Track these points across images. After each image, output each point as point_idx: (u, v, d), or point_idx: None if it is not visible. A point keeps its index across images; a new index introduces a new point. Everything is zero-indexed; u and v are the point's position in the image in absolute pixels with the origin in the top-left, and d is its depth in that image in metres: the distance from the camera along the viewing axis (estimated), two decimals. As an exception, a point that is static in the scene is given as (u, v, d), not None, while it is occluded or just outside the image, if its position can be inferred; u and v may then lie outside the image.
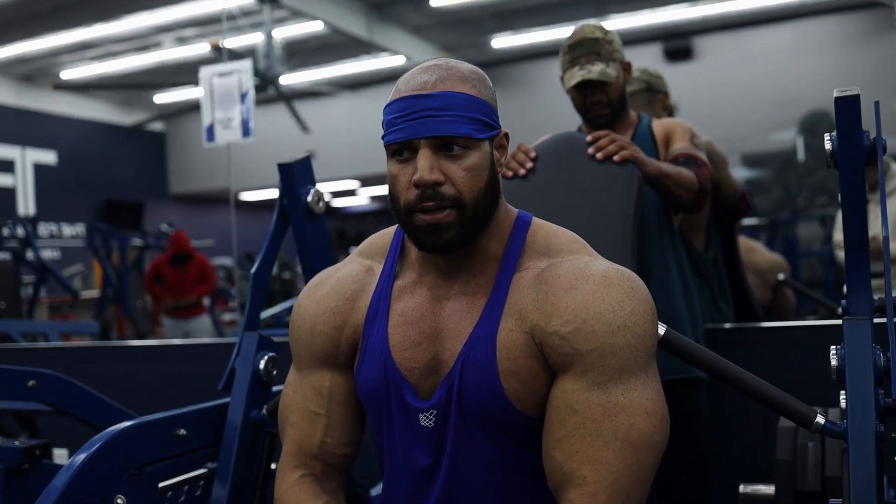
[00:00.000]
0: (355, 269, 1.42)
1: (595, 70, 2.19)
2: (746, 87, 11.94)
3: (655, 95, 2.89)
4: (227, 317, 10.64)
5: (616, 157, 1.97)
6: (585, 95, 2.26)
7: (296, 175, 1.90)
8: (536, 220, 1.37)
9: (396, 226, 1.43)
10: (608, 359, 1.19)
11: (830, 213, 9.54)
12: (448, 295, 1.32)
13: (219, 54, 9.67)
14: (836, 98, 1.39)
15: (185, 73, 13.29)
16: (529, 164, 2.04)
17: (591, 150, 2.00)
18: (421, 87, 1.24)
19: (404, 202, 1.25)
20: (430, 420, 1.29)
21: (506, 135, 1.33)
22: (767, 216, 9.79)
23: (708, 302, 2.58)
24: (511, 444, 1.28)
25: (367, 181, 17.02)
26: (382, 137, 1.28)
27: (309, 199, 1.91)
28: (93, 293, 9.65)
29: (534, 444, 1.27)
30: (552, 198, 1.97)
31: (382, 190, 19.04)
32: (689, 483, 2.20)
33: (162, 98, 15.60)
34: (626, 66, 2.31)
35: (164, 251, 9.41)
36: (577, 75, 2.21)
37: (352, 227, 20.09)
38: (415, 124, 1.22)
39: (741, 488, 1.84)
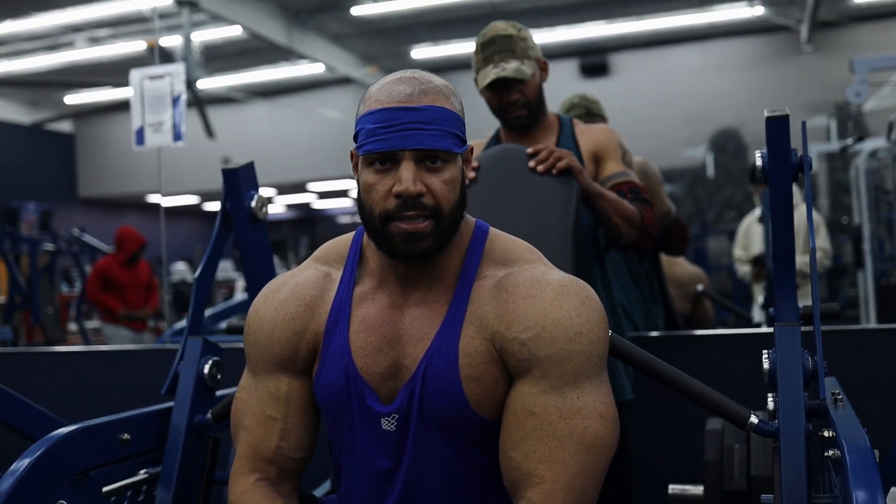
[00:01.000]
0: (313, 276, 1.43)
1: (510, 68, 2.13)
2: (659, 104, 12.29)
3: (594, 119, 2.98)
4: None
5: (554, 170, 1.99)
6: (501, 96, 2.19)
7: (240, 180, 1.91)
8: (493, 230, 1.42)
9: (353, 233, 1.45)
10: (565, 364, 1.25)
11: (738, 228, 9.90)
12: (408, 302, 1.35)
13: (150, 54, 9.51)
14: (768, 118, 1.47)
15: (97, 73, 12.97)
16: (472, 175, 2.05)
17: (531, 164, 2.01)
18: (406, 100, 1.26)
19: (381, 210, 1.27)
20: (392, 424, 1.32)
21: (471, 149, 1.37)
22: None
23: (640, 307, 2.67)
24: (467, 446, 1.32)
25: (283, 189, 16.87)
26: (357, 146, 1.30)
27: (252, 204, 1.91)
28: (-1, 299, 9.32)
29: (489, 446, 1.32)
30: (494, 208, 2.01)
31: (298, 199, 18.90)
32: (615, 488, 2.27)
33: (73, 99, 15.17)
34: (543, 65, 2.25)
35: (75, 256, 9.15)
36: (491, 74, 2.15)
37: (269, 235, 19.84)
38: (400, 136, 1.24)
39: (670, 489, 1.92)
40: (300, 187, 16.78)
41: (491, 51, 2.16)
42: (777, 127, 1.48)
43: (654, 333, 2.67)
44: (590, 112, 2.99)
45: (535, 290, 1.29)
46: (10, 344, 6.32)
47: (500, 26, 2.18)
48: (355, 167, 1.34)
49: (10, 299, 8.25)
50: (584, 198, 2.05)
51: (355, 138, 1.32)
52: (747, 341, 2.61)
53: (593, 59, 12.82)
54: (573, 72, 12.64)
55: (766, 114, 1.48)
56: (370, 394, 1.33)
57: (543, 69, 2.26)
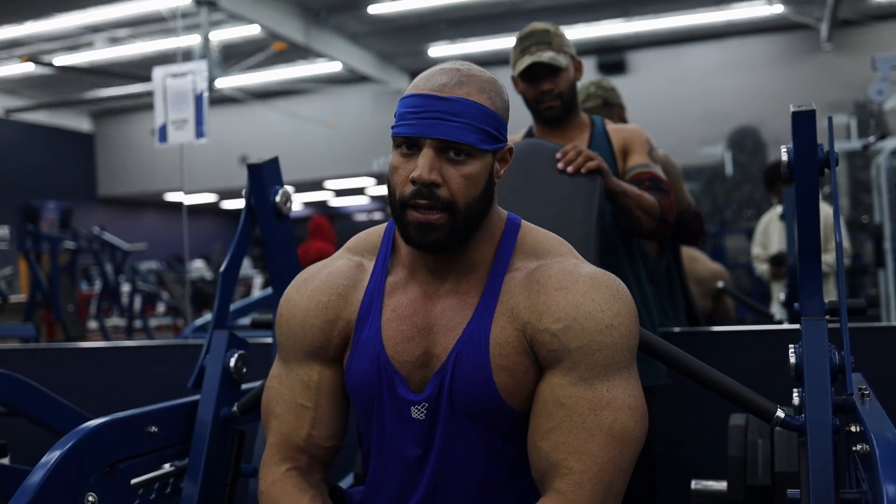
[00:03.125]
0: (346, 265, 1.44)
1: (545, 56, 2.21)
2: (677, 103, 12.27)
3: (612, 109, 2.95)
4: (153, 322, 10.47)
5: (583, 170, 2.02)
6: (535, 85, 2.26)
7: (264, 175, 1.92)
8: (525, 223, 1.42)
9: (386, 223, 1.47)
10: (595, 356, 1.25)
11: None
12: (439, 292, 1.36)
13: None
14: (794, 113, 1.47)
15: (116, 74, 13.05)
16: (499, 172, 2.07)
17: (560, 165, 2.04)
18: (439, 89, 1.28)
19: (399, 195, 1.29)
20: (422, 412, 1.33)
21: (510, 149, 1.37)
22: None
23: (658, 305, 2.67)
24: (495, 436, 1.33)
25: (300, 187, 16.93)
26: (392, 128, 1.32)
27: (277, 199, 1.93)
28: (20, 297, 9.37)
29: (517, 438, 1.33)
30: (516, 204, 2.01)
31: (316, 196, 18.98)
32: (639, 479, 2.27)
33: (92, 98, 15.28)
34: (578, 65, 2.33)
35: (95, 254, 9.21)
36: (527, 60, 2.23)
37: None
38: (424, 123, 1.26)
39: (693, 484, 1.91)
40: (317, 185, 16.85)
41: (528, 42, 2.25)
42: (803, 122, 1.47)
43: (675, 329, 2.66)
44: (607, 102, 2.94)
45: (567, 283, 1.30)
46: (32, 341, 6.37)
47: (539, 24, 2.28)
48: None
49: (31, 297, 8.31)
50: (609, 196, 2.08)
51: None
52: (769, 338, 2.61)
53: (611, 57, 12.81)
54: (591, 70, 12.61)
55: (792, 109, 1.47)
56: (401, 382, 1.34)
57: (578, 69, 2.33)
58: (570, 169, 2.03)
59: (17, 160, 15.01)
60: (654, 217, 2.13)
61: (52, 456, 1.47)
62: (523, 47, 2.26)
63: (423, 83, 1.30)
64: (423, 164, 1.25)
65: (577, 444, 1.23)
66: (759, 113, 11.20)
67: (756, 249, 5.52)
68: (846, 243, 5.17)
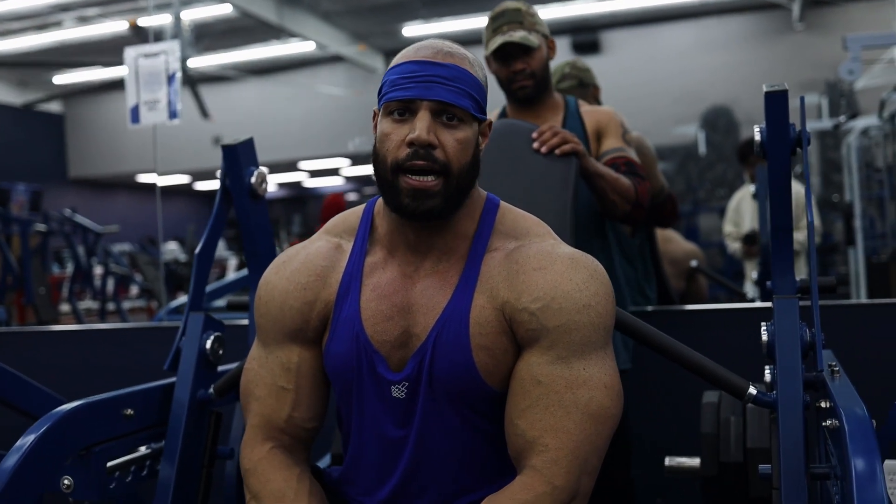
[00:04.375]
0: (324, 247, 1.44)
1: (516, 35, 2.21)
2: (651, 82, 12.27)
3: (587, 89, 2.96)
4: (127, 304, 10.39)
5: (558, 151, 2.03)
6: (507, 65, 2.26)
7: (239, 156, 1.90)
8: (504, 204, 1.44)
9: (364, 205, 1.46)
10: (573, 335, 1.27)
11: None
12: (419, 271, 1.36)
13: (136, 33, 9.44)
14: (767, 92, 1.48)
15: (85, 53, 12.88)
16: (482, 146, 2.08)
17: (535, 145, 2.05)
18: (431, 56, 1.30)
19: (392, 160, 1.29)
20: (402, 392, 1.34)
21: (490, 123, 1.39)
22: (670, 207, 10.09)
23: (633, 285, 2.68)
24: (475, 415, 1.34)
25: (275, 168, 16.82)
26: (379, 97, 1.32)
27: (252, 180, 1.92)
28: (-10, 279, 9.27)
29: (497, 417, 1.34)
30: (492, 183, 2.01)
31: (290, 177, 18.86)
32: (613, 455, 2.29)
33: (62, 79, 15.06)
34: (551, 44, 2.33)
35: (67, 236, 9.11)
36: (498, 39, 2.23)
37: (259, 214, 19.80)
38: (421, 86, 1.27)
39: (667, 461, 1.94)
40: (292, 166, 16.74)
41: (499, 22, 2.25)
42: (776, 102, 1.49)
43: (649, 308, 2.69)
44: (582, 83, 2.95)
45: (546, 262, 1.31)
46: (3, 324, 6.31)
47: (510, 3, 2.27)
48: (375, 127, 1.35)
49: (2, 280, 8.22)
50: (584, 177, 2.09)
51: (379, 94, 1.34)
52: (741, 316, 2.64)
53: (585, 37, 12.77)
54: (565, 49, 12.57)
55: (764, 89, 1.49)
56: (380, 361, 1.34)
57: (551, 48, 2.33)
58: (544, 149, 2.04)
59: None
60: (628, 201, 2.15)
61: (25, 440, 1.47)
62: (495, 27, 2.26)
63: (412, 53, 1.32)
64: (420, 126, 1.26)
65: (553, 422, 1.25)
66: (732, 92, 11.25)
67: (728, 227, 5.55)
68: (817, 222, 5.22)
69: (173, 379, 1.81)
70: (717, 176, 11.42)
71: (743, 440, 1.82)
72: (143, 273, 9.77)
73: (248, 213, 1.94)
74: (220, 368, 1.88)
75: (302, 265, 1.43)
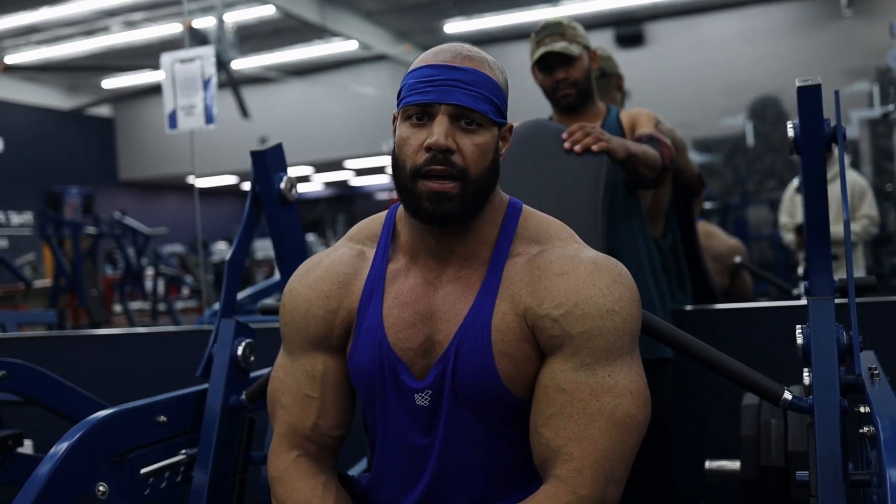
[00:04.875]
0: (347, 254, 1.44)
1: (557, 46, 2.29)
2: (697, 74, 12.12)
3: (609, 79, 2.92)
4: (179, 305, 10.55)
5: (595, 148, 2.04)
6: (550, 75, 2.35)
7: (268, 162, 1.91)
8: (526, 208, 1.41)
9: (386, 211, 1.46)
10: (596, 341, 1.24)
11: (779, 196, 9.72)
12: (441, 278, 1.35)
13: (193, 36, 9.56)
14: (799, 87, 1.44)
15: (133, 57, 13.09)
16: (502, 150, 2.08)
17: (566, 145, 2.06)
18: (450, 60, 1.29)
19: (411, 165, 1.28)
20: (425, 399, 1.33)
21: (510, 128, 1.38)
22: (718, 200, 9.96)
23: (665, 289, 2.64)
24: (498, 422, 1.33)
25: (320, 167, 16.93)
26: (398, 101, 1.31)
27: (282, 185, 1.92)
28: (45, 282, 9.48)
29: (521, 424, 1.32)
30: (522, 184, 2.00)
31: (336, 176, 18.98)
32: (654, 458, 2.26)
33: (110, 83, 15.33)
34: (592, 55, 2.41)
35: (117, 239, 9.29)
36: (541, 50, 2.32)
37: (306, 213, 20.00)
38: (439, 91, 1.26)
39: (707, 465, 1.90)
40: (337, 165, 16.85)
41: (542, 34, 2.35)
42: (809, 96, 1.45)
43: (688, 308, 2.64)
44: (604, 72, 2.92)
45: (568, 267, 1.29)
46: (55, 327, 6.44)
47: (553, 17, 2.38)
48: (395, 131, 1.35)
49: (55, 283, 8.41)
50: (619, 163, 2.12)
51: (398, 98, 1.33)
52: (782, 314, 2.58)
53: (629, 29, 12.65)
54: (608, 42, 12.47)
55: (797, 83, 1.45)
56: (404, 370, 1.33)
57: (593, 59, 2.41)
58: (577, 148, 2.04)
59: (39, 146, 15.12)
60: (654, 169, 2.20)
61: (60, 447, 1.49)
62: (538, 39, 2.35)
63: (431, 57, 1.31)
64: (438, 131, 1.25)
65: (577, 430, 1.23)
66: (780, 82, 11.02)
67: (783, 218, 5.46)
68: (873, 211, 5.09)
69: (206, 385, 1.83)
70: (766, 167, 11.22)
71: (784, 443, 1.78)
72: (192, 274, 9.92)
73: (279, 219, 1.94)
74: (253, 374, 1.88)
75: (325, 273, 1.43)
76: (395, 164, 1.31)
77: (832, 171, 4.47)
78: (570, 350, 1.25)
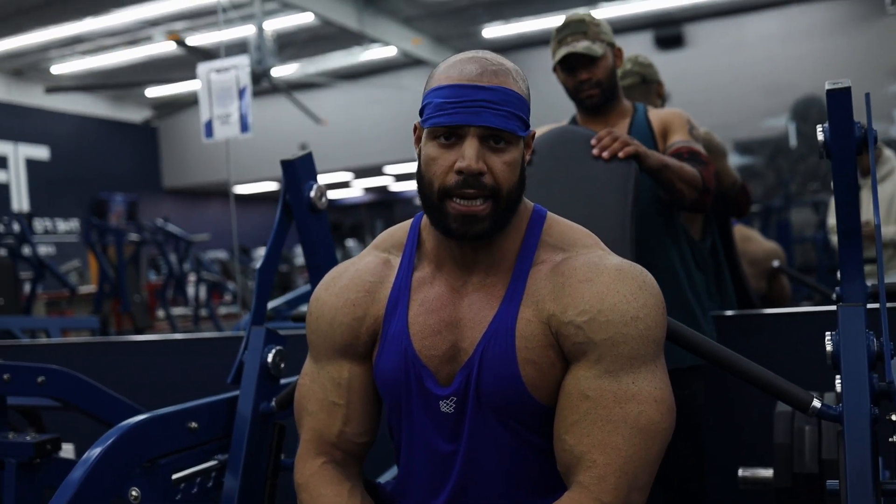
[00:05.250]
0: (373, 262, 1.45)
1: (580, 46, 2.21)
2: (738, 75, 11.99)
3: (650, 86, 2.90)
4: (222, 310, 10.67)
5: (621, 154, 1.99)
6: (573, 75, 2.27)
7: (298, 171, 1.93)
8: (551, 215, 1.42)
9: (412, 220, 1.47)
10: (620, 348, 1.24)
11: (823, 198, 9.57)
12: (467, 286, 1.36)
13: (185, 49, 9.68)
14: (828, 90, 1.43)
15: (175, 67, 13.27)
16: (526, 158, 2.06)
17: (595, 151, 2.02)
18: (477, 79, 1.28)
19: (440, 185, 1.28)
20: (450, 406, 1.33)
21: (533, 134, 1.38)
22: (760, 203, 9.84)
23: (703, 290, 2.61)
24: (523, 429, 1.33)
25: (360, 173, 17.02)
26: (422, 119, 1.31)
27: (312, 194, 1.94)
28: (90, 288, 9.65)
29: (544, 431, 1.32)
30: (551, 191, 2.00)
31: (376, 182, 19.07)
32: (686, 466, 2.24)
33: (154, 92, 15.57)
34: (618, 52, 2.32)
35: (160, 245, 9.43)
36: (563, 51, 2.24)
37: (346, 219, 20.11)
38: (468, 112, 1.25)
39: (740, 472, 1.88)
40: (377, 170, 16.92)
41: (564, 33, 2.26)
42: (838, 99, 1.43)
43: (728, 313, 2.61)
44: (645, 79, 2.89)
45: (592, 274, 1.29)
46: (98, 332, 6.55)
47: (576, 14, 2.28)
48: (417, 140, 1.35)
49: (100, 289, 8.55)
50: (650, 173, 2.07)
51: (421, 113, 1.33)
52: (824, 319, 2.53)
53: (668, 31, 12.56)
54: (648, 44, 12.40)
55: (826, 86, 1.43)
56: (429, 377, 1.34)
57: (618, 56, 2.32)
58: (605, 154, 2.01)
59: (85, 154, 15.41)
60: (696, 188, 2.13)
61: (92, 452, 1.52)
62: (560, 38, 2.27)
63: (455, 73, 1.29)
64: (469, 154, 1.25)
65: (601, 438, 1.23)
66: (823, 82, 10.76)
67: (831, 220, 5.38)
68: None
69: (237, 392, 1.85)
70: (810, 169, 11.07)
71: (818, 451, 1.75)
72: (234, 280, 10.03)
73: (309, 227, 1.96)
74: (283, 381, 1.90)
75: (351, 281, 1.44)
76: (422, 181, 1.32)
77: (882, 170, 4.40)
78: (594, 357, 1.25)
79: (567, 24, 2.26)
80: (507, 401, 1.30)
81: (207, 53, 8.83)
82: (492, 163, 1.27)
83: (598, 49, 2.22)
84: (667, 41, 12.51)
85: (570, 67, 2.26)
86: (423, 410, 1.36)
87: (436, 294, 1.36)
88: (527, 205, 1.40)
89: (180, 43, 9.62)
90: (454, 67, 1.31)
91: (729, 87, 11.88)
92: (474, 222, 1.27)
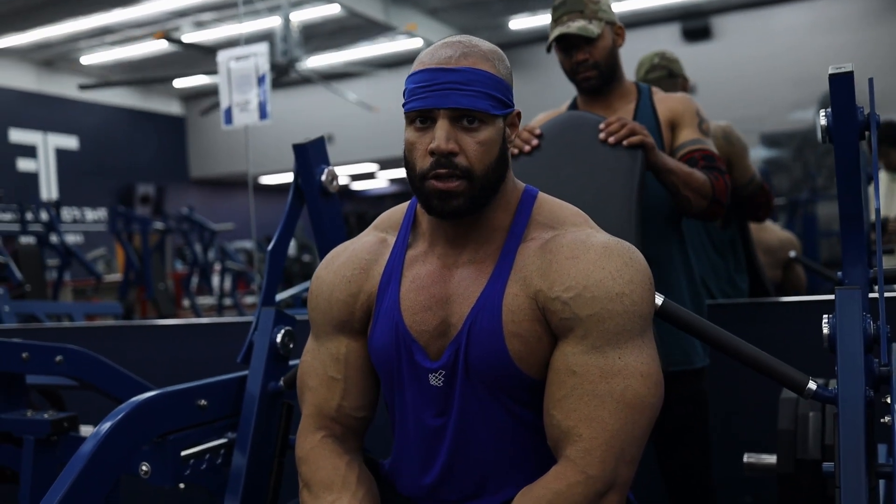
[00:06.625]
0: (370, 241, 1.49)
1: (574, 25, 2.11)
2: (765, 67, 11.87)
3: (676, 80, 2.89)
4: (248, 300, 10.75)
5: (626, 142, 1.96)
6: (569, 56, 2.18)
7: (310, 155, 1.96)
8: (542, 195, 1.44)
9: (409, 201, 1.50)
10: (606, 324, 1.26)
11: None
12: (457, 263, 1.39)
13: (179, 46, 9.75)
14: (830, 75, 1.43)
15: (203, 57, 13.36)
16: (535, 142, 2.06)
17: (602, 136, 2.00)
18: (445, 62, 1.31)
19: (419, 168, 1.32)
20: (439, 380, 1.36)
21: (518, 114, 1.40)
22: (787, 196, 9.76)
23: (723, 276, 2.61)
24: (513, 403, 1.35)
25: (385, 164, 17.06)
26: (403, 105, 1.34)
27: (323, 178, 1.96)
28: (116, 276, 9.77)
29: (535, 405, 1.34)
30: (558, 175, 2.01)
31: (401, 173, 19.12)
32: (693, 462, 2.23)
33: (181, 83, 15.69)
34: (619, 30, 2.21)
35: (185, 234, 9.53)
36: (557, 30, 2.15)
37: (371, 210, 20.16)
38: (437, 95, 1.29)
39: (745, 458, 1.89)
40: (402, 162, 16.95)
41: (560, 11, 2.16)
42: (840, 84, 1.43)
43: (741, 301, 2.61)
44: (671, 73, 2.89)
45: (579, 251, 1.31)
46: (121, 318, 6.64)
47: None
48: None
49: (125, 277, 8.66)
50: (654, 172, 2.03)
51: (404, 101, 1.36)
52: (831, 308, 2.53)
53: (696, 23, 12.47)
54: (675, 36, 12.32)
55: (829, 71, 1.43)
56: (419, 350, 1.37)
57: (619, 34, 2.21)
58: (612, 140, 1.98)
59: (113, 144, 15.57)
60: (704, 196, 2.06)
61: (103, 426, 1.56)
62: (556, 17, 2.17)
63: (427, 58, 1.33)
64: (440, 135, 1.28)
65: (587, 412, 1.24)
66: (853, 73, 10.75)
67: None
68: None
69: (246, 371, 1.88)
70: (837, 162, 10.94)
71: (821, 436, 1.76)
72: (258, 271, 10.10)
73: (321, 211, 1.99)
74: (292, 362, 1.93)
75: (348, 259, 1.48)
76: (406, 164, 1.36)
77: None
78: (580, 333, 1.27)
79: (564, 2, 2.16)
80: (495, 374, 1.32)
81: (207, 49, 8.87)
82: (464, 143, 1.30)
83: (594, 29, 2.12)
84: (694, 33, 12.41)
85: (566, 48, 2.17)
86: (413, 383, 1.39)
87: (427, 271, 1.40)
88: (517, 185, 1.43)
89: (171, 40, 9.68)
90: (428, 53, 1.35)
91: (756, 80, 11.77)
92: (450, 198, 1.30)
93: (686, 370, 2.16)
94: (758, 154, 11.72)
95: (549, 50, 2.23)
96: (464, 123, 1.30)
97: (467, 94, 1.29)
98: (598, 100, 2.25)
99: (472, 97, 1.29)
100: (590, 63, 2.16)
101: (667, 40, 11.94)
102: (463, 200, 1.30)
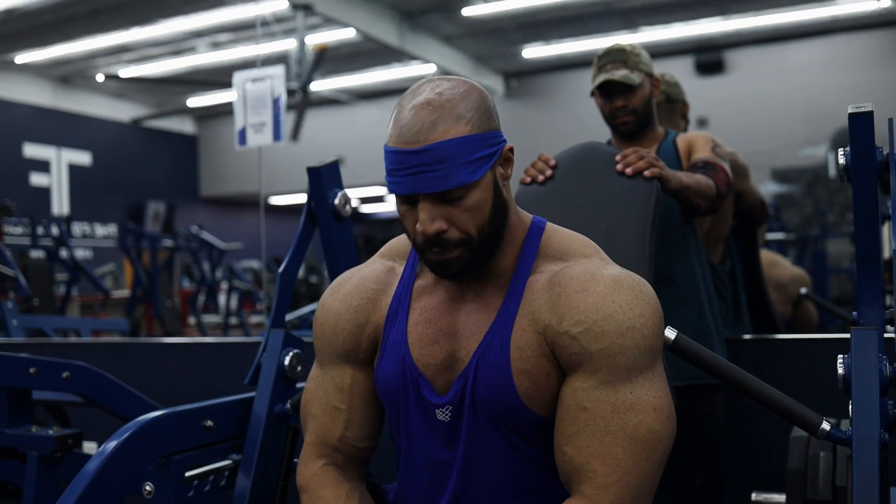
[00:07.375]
0: (377, 270, 1.47)
1: (618, 74, 2.30)
2: (778, 102, 11.90)
3: (675, 105, 2.90)
4: (253, 319, 10.75)
5: (646, 174, 2.01)
6: (609, 101, 2.35)
7: (323, 178, 1.96)
8: (550, 225, 1.41)
9: None
10: (617, 358, 1.24)
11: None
12: (465, 296, 1.37)
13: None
14: (850, 114, 1.43)
15: (217, 77, 13.45)
16: (549, 172, 2.10)
17: (619, 167, 2.04)
18: (413, 140, 1.23)
19: (414, 240, 1.31)
20: (446, 415, 1.34)
21: (510, 149, 1.34)
22: (797, 232, 9.75)
23: (721, 319, 2.60)
24: (521, 441, 1.33)
25: (395, 188, 17.05)
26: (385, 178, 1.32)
27: (336, 201, 1.97)
28: (124, 293, 9.78)
29: (541, 442, 1.32)
30: (571, 205, 2.01)
31: (411, 197, 19.16)
32: (704, 484, 2.24)
33: (195, 101, 15.78)
34: (655, 82, 2.40)
35: (193, 252, 9.55)
36: (601, 77, 2.33)
37: (379, 233, 20.18)
38: (410, 181, 1.24)
39: (753, 496, 1.87)
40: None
41: (605, 60, 2.36)
42: (860, 123, 1.43)
43: (746, 337, 2.59)
44: (670, 98, 2.90)
45: (588, 284, 1.29)
46: (127, 335, 6.64)
47: (617, 44, 2.38)
48: None
49: (133, 293, 8.67)
50: (672, 194, 2.10)
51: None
52: (844, 346, 2.51)
53: (709, 57, 12.51)
54: (688, 69, 12.35)
55: (849, 110, 1.43)
56: (426, 385, 1.35)
57: (655, 86, 2.41)
58: (629, 171, 2.02)
59: (125, 161, 15.65)
60: (711, 198, 2.18)
61: (108, 445, 1.55)
62: (600, 65, 2.35)
63: (396, 133, 1.26)
64: (423, 218, 1.25)
65: (600, 448, 1.22)
66: (864, 112, 10.75)
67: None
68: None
69: (253, 393, 1.87)
70: (848, 199, 10.89)
71: (832, 477, 1.73)
72: (266, 291, 10.10)
73: (333, 234, 1.99)
74: (299, 384, 1.92)
75: (354, 288, 1.46)
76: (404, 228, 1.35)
77: None
78: (591, 368, 1.25)
79: (608, 52, 2.35)
80: (502, 410, 1.30)
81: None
82: (452, 216, 1.26)
83: (635, 78, 2.30)
84: (708, 67, 12.46)
85: (607, 94, 2.35)
86: (420, 418, 1.37)
87: (435, 303, 1.38)
88: (522, 218, 1.40)
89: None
90: (397, 123, 1.27)
91: (769, 115, 11.79)
92: (450, 266, 1.29)
93: (702, 384, 2.18)
94: (768, 189, 11.72)
95: (592, 94, 2.39)
96: (447, 197, 1.25)
97: (441, 174, 1.23)
98: (630, 143, 2.38)
99: (445, 178, 1.23)
100: (628, 109, 2.34)
101: (680, 73, 11.80)
102: (462, 264, 1.29)
